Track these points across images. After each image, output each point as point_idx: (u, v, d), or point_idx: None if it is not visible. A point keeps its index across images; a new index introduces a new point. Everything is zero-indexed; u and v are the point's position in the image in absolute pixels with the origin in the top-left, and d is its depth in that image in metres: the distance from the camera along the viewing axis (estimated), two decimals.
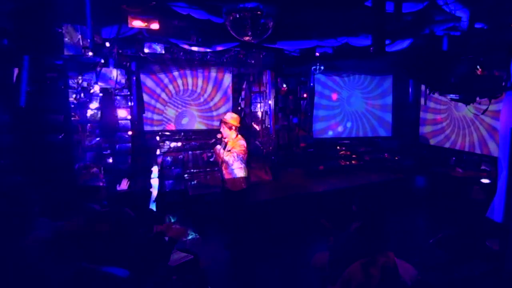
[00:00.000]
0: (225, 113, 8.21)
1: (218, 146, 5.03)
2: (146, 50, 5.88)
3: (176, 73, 7.97)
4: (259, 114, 8.47)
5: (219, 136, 5.02)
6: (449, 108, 7.72)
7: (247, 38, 4.52)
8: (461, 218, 5.35)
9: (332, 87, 8.78)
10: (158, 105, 8.00)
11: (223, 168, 5.00)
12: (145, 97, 7.48)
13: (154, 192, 6.79)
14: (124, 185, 4.07)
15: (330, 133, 8.86)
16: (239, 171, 4.96)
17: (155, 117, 7.98)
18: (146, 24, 4.47)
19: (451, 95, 4.83)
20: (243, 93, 8.90)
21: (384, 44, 4.12)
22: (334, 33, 5.77)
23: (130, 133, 6.49)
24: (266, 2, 4.18)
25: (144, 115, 7.33)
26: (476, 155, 7.00)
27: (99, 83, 5.66)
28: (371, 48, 4.09)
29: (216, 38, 5.75)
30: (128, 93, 6.50)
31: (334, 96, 8.81)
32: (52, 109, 4.63)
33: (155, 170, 7.13)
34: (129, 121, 6.51)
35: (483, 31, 4.66)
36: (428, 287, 2.35)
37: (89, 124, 6.02)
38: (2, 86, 4.03)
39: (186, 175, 7.34)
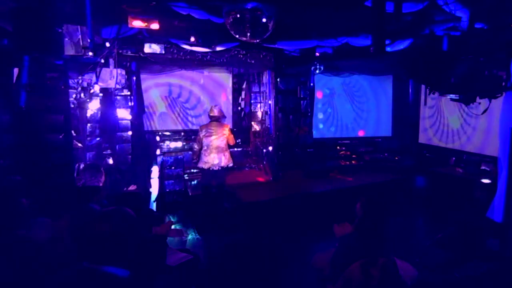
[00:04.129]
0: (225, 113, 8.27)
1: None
2: (146, 50, 5.87)
3: (176, 73, 7.97)
4: (259, 114, 8.47)
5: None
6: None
7: (247, 38, 4.52)
8: (461, 218, 5.34)
9: (332, 87, 8.78)
10: (158, 105, 8.01)
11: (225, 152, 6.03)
12: (145, 97, 7.48)
13: (154, 192, 6.79)
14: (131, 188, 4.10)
15: (331, 132, 8.85)
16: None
17: (155, 117, 7.99)
18: (146, 24, 4.47)
19: (451, 95, 4.83)
20: (243, 93, 8.90)
21: (384, 44, 4.12)
22: (334, 33, 5.77)
23: (130, 133, 6.49)
24: (266, 2, 4.17)
25: (144, 115, 7.34)
26: (476, 155, 6.99)
27: (99, 83, 5.66)
28: (371, 48, 4.08)
29: (216, 38, 5.75)
30: (128, 93, 6.50)
31: (334, 96, 8.82)
32: (52, 109, 4.63)
33: (155, 170, 7.13)
34: (129, 121, 6.51)
35: (483, 31, 4.66)
36: (428, 287, 2.35)
37: (89, 124, 6.02)
38: (2, 86, 4.03)
39: (186, 175, 7.34)
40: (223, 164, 5.96)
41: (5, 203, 2.25)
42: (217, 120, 6.10)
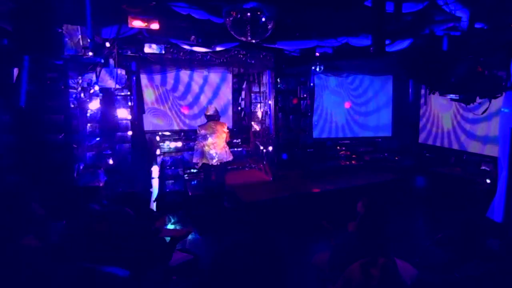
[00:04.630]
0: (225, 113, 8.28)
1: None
2: (146, 50, 5.87)
3: (176, 73, 7.98)
4: (259, 114, 8.47)
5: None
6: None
7: (247, 38, 4.52)
8: (461, 218, 5.34)
9: (332, 87, 8.77)
10: (158, 105, 8.01)
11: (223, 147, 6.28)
12: (145, 97, 7.47)
13: (154, 192, 6.79)
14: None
15: (330, 133, 8.85)
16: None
17: (155, 117, 7.99)
18: (146, 24, 4.47)
19: (451, 95, 4.83)
20: (243, 93, 8.90)
21: (384, 44, 4.12)
22: (334, 33, 5.76)
23: (130, 133, 6.49)
24: (266, 2, 4.17)
25: (144, 115, 7.33)
26: (476, 155, 6.99)
27: (99, 83, 5.66)
28: (371, 48, 4.09)
29: (216, 38, 5.75)
30: (128, 93, 6.50)
31: (334, 96, 8.81)
32: (52, 109, 4.63)
33: (155, 170, 7.13)
34: (129, 121, 6.51)
35: (483, 31, 4.66)
36: (428, 287, 2.35)
37: (89, 124, 6.02)
38: (2, 86, 4.03)
39: (186, 175, 7.33)
40: (224, 160, 6.27)
41: (15, 209, 2.24)
42: (214, 119, 6.32)
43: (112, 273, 1.56)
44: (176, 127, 8.19)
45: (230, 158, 6.40)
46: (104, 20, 4.80)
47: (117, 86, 5.91)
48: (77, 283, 1.55)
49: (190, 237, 5.49)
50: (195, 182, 7.32)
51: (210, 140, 6.15)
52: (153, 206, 6.53)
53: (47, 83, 4.49)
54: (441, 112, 7.97)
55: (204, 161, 6.20)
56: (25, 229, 2.21)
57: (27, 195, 2.36)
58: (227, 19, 4.34)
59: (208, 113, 6.34)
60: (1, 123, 4.07)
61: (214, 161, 6.17)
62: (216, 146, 6.18)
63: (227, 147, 6.36)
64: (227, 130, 6.39)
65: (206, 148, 6.15)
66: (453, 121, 7.61)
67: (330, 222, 3.43)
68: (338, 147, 8.88)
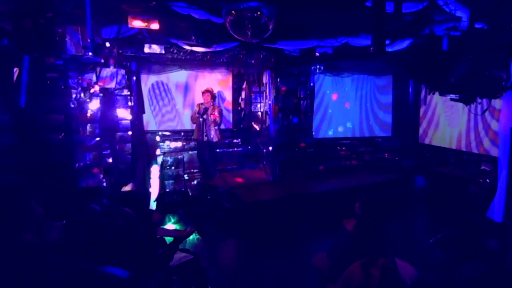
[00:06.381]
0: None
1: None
2: (146, 50, 5.87)
3: (176, 73, 7.97)
4: (259, 114, 8.46)
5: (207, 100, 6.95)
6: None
7: (247, 38, 4.52)
8: (461, 218, 5.35)
9: (332, 87, 8.78)
10: (158, 105, 8.01)
11: (211, 127, 6.97)
12: (145, 97, 7.47)
13: (154, 192, 6.79)
14: (129, 188, 3.98)
15: (330, 133, 8.85)
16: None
17: (155, 117, 7.99)
18: (146, 24, 4.47)
19: (451, 95, 4.83)
20: (243, 93, 8.89)
21: (384, 44, 4.12)
22: (334, 33, 5.76)
23: (130, 133, 6.48)
24: (266, 2, 4.18)
25: (144, 115, 7.33)
26: (476, 155, 6.99)
27: (99, 83, 5.66)
28: (371, 48, 4.09)
29: (216, 38, 5.75)
30: (128, 93, 6.49)
31: (334, 96, 8.81)
32: (52, 109, 4.63)
33: (155, 170, 7.13)
34: (129, 121, 6.50)
35: (483, 31, 4.66)
36: (428, 287, 2.35)
37: (89, 124, 6.01)
38: (2, 86, 4.03)
39: (186, 175, 7.33)
40: (215, 139, 7.07)
41: (14, 205, 2.23)
42: (213, 99, 7.10)
43: (112, 274, 1.56)
44: (176, 127, 8.19)
45: (218, 138, 7.15)
46: (104, 20, 4.81)
47: (117, 86, 5.90)
48: (76, 283, 1.55)
49: (190, 237, 5.49)
50: (195, 182, 7.32)
51: (210, 118, 6.91)
52: (153, 206, 6.53)
53: (47, 83, 4.49)
54: (441, 111, 7.97)
55: (199, 137, 6.96)
56: (23, 227, 2.21)
57: (26, 193, 2.35)
58: (227, 19, 4.35)
59: (213, 93, 7.09)
60: (1, 123, 4.07)
61: (209, 138, 6.98)
62: (213, 124, 6.97)
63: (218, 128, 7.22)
64: (218, 114, 7.09)
65: (204, 125, 6.90)
66: (453, 120, 7.61)
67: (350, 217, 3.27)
68: (338, 147, 8.88)
